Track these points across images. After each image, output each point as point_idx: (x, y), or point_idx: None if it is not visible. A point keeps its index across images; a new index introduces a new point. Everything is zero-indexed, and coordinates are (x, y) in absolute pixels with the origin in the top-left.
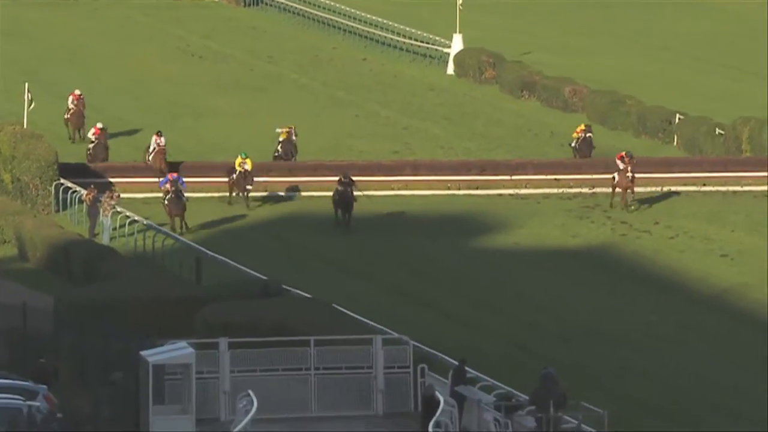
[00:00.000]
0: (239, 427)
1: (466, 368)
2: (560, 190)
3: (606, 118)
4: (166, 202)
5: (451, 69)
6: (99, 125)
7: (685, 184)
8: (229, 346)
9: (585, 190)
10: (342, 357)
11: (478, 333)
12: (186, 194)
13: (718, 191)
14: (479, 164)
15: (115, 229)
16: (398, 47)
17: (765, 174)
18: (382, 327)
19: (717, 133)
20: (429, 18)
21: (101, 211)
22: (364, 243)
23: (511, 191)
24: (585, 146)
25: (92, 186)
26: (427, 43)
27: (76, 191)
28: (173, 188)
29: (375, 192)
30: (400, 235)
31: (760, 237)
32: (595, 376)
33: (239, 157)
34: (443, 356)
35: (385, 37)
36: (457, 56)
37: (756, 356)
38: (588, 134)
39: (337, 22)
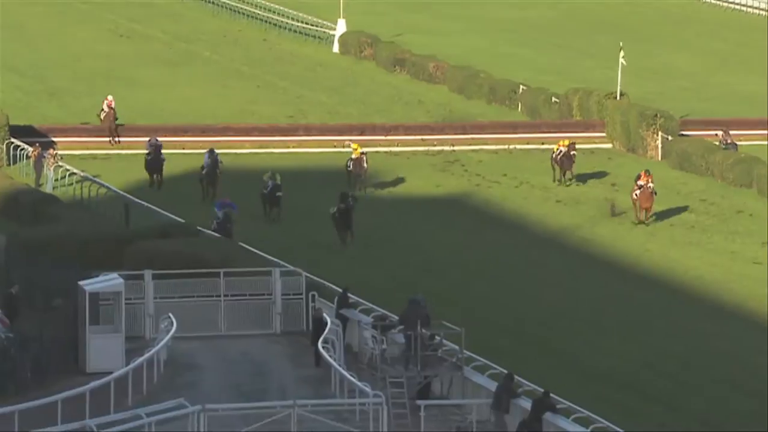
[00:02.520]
0: (161, 344)
1: (349, 294)
2: (426, 148)
3: (463, 88)
4: (215, 224)
5: (336, 48)
6: (110, 97)
7: (527, 143)
8: (152, 277)
9: (446, 148)
10: (246, 286)
11: (359, 266)
12: (119, 151)
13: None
14: (360, 127)
15: (57, 180)
16: (293, 29)
17: (592, 135)
18: (279, 261)
19: (553, 101)
20: (318, 5)
21: (45, 165)
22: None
23: (385, 149)
24: (566, 160)
25: (37, 144)
26: (317, 26)
27: (24, 148)
28: (222, 213)
29: (274, 150)
30: (295, 185)
31: (589, 185)
32: (454, 301)
33: None
34: (330, 285)
35: (282, 21)
36: (341, 37)
37: (585, 284)
38: (572, 152)
39: (242, 8)
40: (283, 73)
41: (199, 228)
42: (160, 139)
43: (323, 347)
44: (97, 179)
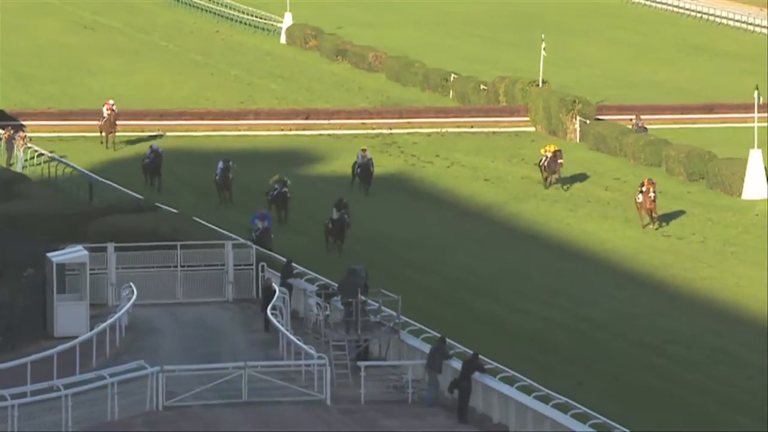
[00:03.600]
0: (123, 310)
1: (293, 264)
2: (365, 132)
3: (399, 76)
4: (254, 236)
5: (283, 39)
6: (110, 102)
7: (458, 127)
8: (114, 250)
9: (384, 131)
10: (201, 257)
11: (303, 238)
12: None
13: (482, 132)
14: (305, 112)
15: (26, 160)
16: (243, 22)
17: (517, 119)
18: (231, 234)
19: (481, 88)
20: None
21: (15, 146)
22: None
23: (329, 132)
24: (552, 165)
25: (9, 127)
26: (265, 19)
27: None
28: (262, 226)
29: (226, 133)
30: (244, 166)
31: (513, 166)
32: (391, 270)
33: None
34: (277, 256)
35: (233, 14)
36: (288, 29)
37: (511, 254)
38: (560, 160)
39: (196, 2)
40: (235, 62)
41: (157, 204)
42: (119, 123)
43: (272, 313)
44: (63, 159)
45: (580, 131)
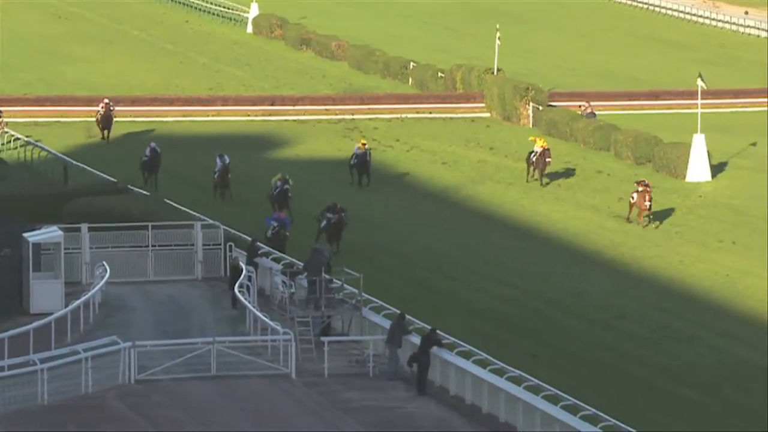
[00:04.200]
0: (96, 288)
1: (259, 244)
2: (329, 117)
3: (361, 64)
4: (269, 234)
5: (250, 28)
6: (106, 100)
7: (417, 113)
8: (88, 230)
9: (347, 117)
10: (171, 237)
11: (263, 216)
12: (58, 119)
13: (440, 117)
14: (270, 98)
15: (3, 144)
16: (211, 12)
17: (473, 105)
18: (200, 215)
19: (439, 76)
20: None
21: None
22: (185, 153)
23: (293, 118)
24: (541, 161)
25: None
26: (233, 9)
27: None
28: (279, 228)
29: (195, 118)
30: (212, 150)
31: (469, 150)
32: (354, 250)
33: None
34: (244, 236)
35: (202, 4)
36: (254, 19)
37: (468, 234)
38: (548, 159)
39: None
40: (203, 50)
41: (129, 186)
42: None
43: (239, 291)
44: (39, 143)
45: (533, 117)
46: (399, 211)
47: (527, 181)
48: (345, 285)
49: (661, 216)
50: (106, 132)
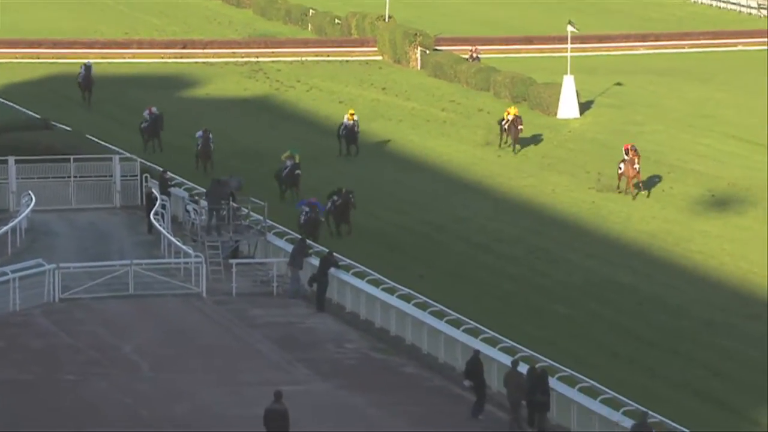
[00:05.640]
0: (22, 215)
1: (170, 174)
2: (236, 60)
3: (265, 11)
4: (302, 220)
5: None
6: (88, 63)
7: (316, 56)
8: (15, 162)
9: (252, 59)
10: (92, 169)
11: (181, 153)
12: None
13: (337, 60)
14: (182, 42)
15: None
16: None
17: (367, 49)
18: (118, 149)
19: (336, 22)
20: None
21: None
22: (105, 93)
23: (203, 60)
24: (513, 128)
25: None
26: None
27: None
28: (312, 213)
29: (113, 60)
30: (129, 90)
31: (363, 90)
32: (259, 180)
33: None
34: (158, 167)
35: None
36: None
37: (363, 168)
38: (519, 126)
39: None
40: (123, 0)
41: (52, 122)
42: (18, 50)
43: (154, 218)
44: None
45: (421, 60)
46: (301, 146)
47: (499, 146)
48: (251, 212)
49: (534, 149)
50: (86, 94)
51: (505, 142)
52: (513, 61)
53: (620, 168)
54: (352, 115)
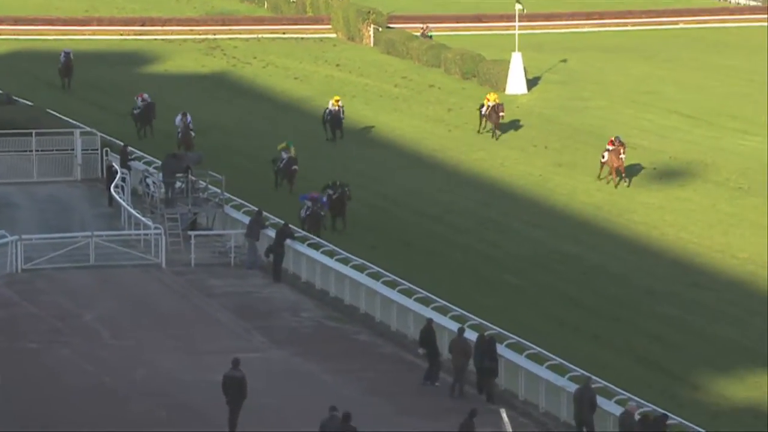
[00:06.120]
0: None
1: (130, 149)
2: (193, 37)
3: None
4: (303, 214)
5: None
6: (67, 50)
7: (272, 33)
8: None
9: (209, 37)
10: (53, 143)
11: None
12: None
13: (292, 38)
14: (141, 19)
15: None
16: None
17: (321, 27)
18: (79, 124)
19: (291, 0)
20: None
21: None
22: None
23: (162, 37)
24: (493, 115)
25: None
26: None
27: None
28: (314, 206)
29: (73, 36)
30: (87, 63)
31: (318, 66)
32: (216, 153)
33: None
34: (119, 142)
35: None
36: None
37: (314, 140)
38: (501, 113)
39: None
40: None
41: (14, 97)
42: None
43: (114, 191)
44: None
45: (374, 37)
46: (255, 120)
47: (479, 131)
48: (209, 185)
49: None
50: (66, 80)
51: (485, 128)
52: (463, 38)
53: (603, 157)
54: (337, 101)
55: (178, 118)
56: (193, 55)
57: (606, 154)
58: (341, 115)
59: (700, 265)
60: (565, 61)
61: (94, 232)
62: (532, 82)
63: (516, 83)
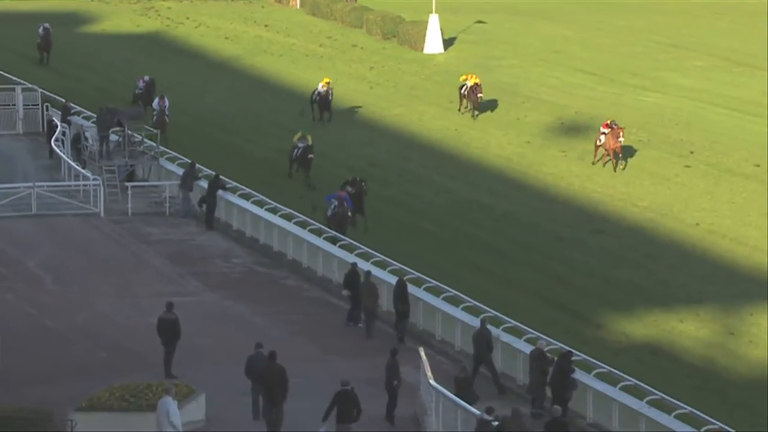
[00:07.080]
0: None
1: (70, 104)
2: None
3: None
4: (329, 213)
5: None
6: (46, 25)
7: None
8: None
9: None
10: None
11: (78, 83)
12: None
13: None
14: None
15: None
16: None
17: None
18: (21, 80)
19: None
20: None
21: None
22: (7, 30)
23: (98, 0)
24: (472, 95)
25: None
26: None
27: None
28: (341, 207)
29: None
30: (29, 26)
31: (247, 27)
32: (176, 129)
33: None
34: (58, 97)
35: None
36: None
37: (249, 99)
38: (479, 94)
39: None
40: None
41: None
42: None
43: (55, 144)
44: None
45: (300, 0)
46: (189, 77)
47: (459, 110)
48: (145, 139)
49: (403, 81)
50: (45, 54)
51: (465, 107)
52: (384, 1)
53: (600, 140)
54: (327, 83)
55: (156, 100)
56: (129, 16)
57: (602, 137)
58: (330, 97)
59: (604, 213)
60: (480, 22)
61: (36, 182)
62: (448, 42)
63: (433, 43)
